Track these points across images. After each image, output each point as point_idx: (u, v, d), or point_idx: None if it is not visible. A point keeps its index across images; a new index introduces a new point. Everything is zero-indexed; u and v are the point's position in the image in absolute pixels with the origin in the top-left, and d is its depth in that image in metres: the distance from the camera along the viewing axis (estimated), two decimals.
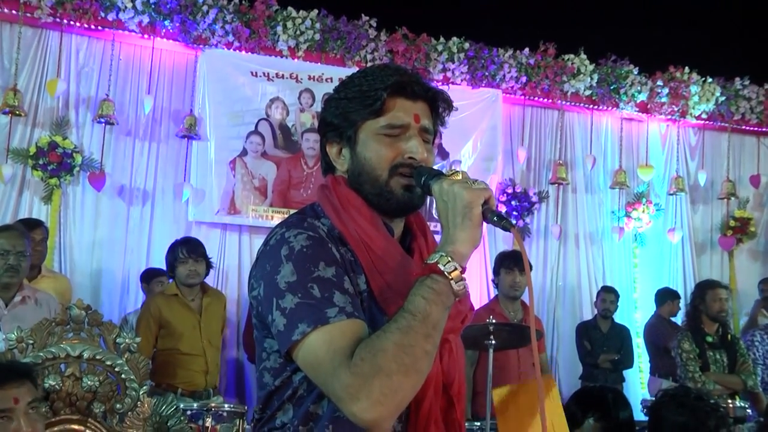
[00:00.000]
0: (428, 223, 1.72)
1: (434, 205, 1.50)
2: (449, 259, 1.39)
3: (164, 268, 5.18)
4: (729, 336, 5.06)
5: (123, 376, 2.39)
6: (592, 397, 2.84)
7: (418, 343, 1.34)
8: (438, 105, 1.61)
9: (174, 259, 4.57)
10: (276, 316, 1.42)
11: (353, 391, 1.31)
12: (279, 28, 6.55)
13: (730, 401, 4.44)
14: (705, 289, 5.09)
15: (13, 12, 5.93)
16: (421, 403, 1.48)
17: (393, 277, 1.49)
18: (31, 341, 2.34)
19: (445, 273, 1.39)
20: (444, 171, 1.50)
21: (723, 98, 7.93)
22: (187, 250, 4.53)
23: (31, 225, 4.69)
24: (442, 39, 7.06)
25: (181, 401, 4.13)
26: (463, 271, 1.41)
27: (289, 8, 6.61)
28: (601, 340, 6.40)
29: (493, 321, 3.84)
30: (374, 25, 6.83)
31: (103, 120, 6.08)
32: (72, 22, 6.06)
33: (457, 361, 1.60)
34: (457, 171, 1.49)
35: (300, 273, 1.42)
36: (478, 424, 3.99)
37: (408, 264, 1.53)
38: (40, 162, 5.91)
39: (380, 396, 1.30)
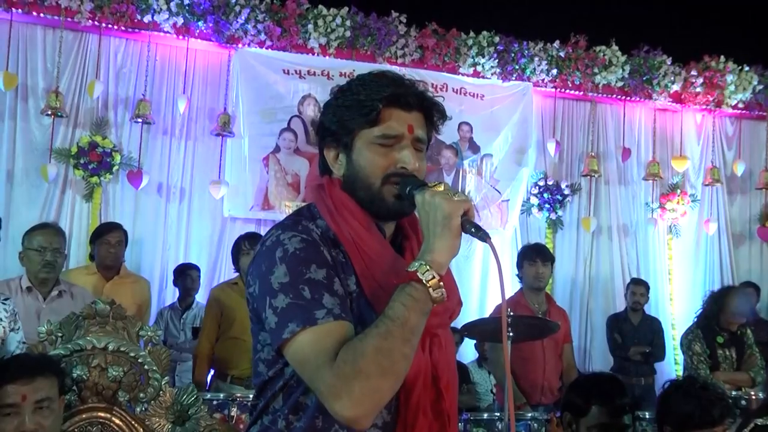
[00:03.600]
0: None
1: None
2: (428, 267, 1.46)
3: (196, 263, 5.33)
4: (738, 331, 5.10)
5: (146, 367, 2.53)
6: (591, 385, 2.90)
7: (397, 347, 1.41)
8: (433, 114, 1.68)
9: (238, 251, 4.74)
10: (269, 314, 1.51)
11: (335, 390, 1.39)
12: (310, 26, 6.64)
13: (752, 393, 4.44)
14: (728, 302, 5.13)
15: (55, 17, 6.14)
16: (410, 394, 1.56)
17: (384, 278, 1.56)
18: (60, 334, 2.50)
19: (424, 281, 1.45)
20: (428, 182, 1.58)
21: (761, 87, 7.80)
22: (249, 243, 4.70)
23: (109, 228, 4.94)
24: (471, 33, 7.07)
25: (232, 388, 4.28)
26: (441, 279, 1.47)
27: (320, 6, 6.70)
28: (632, 332, 6.37)
29: (511, 313, 3.90)
30: (404, 21, 6.88)
31: (140, 119, 6.26)
32: (110, 25, 6.25)
33: (446, 355, 1.67)
34: (440, 182, 1.56)
35: (292, 275, 1.50)
36: (498, 414, 4.07)
37: (399, 265, 1.58)
38: (81, 161, 6.12)
39: (360, 396, 1.38)
